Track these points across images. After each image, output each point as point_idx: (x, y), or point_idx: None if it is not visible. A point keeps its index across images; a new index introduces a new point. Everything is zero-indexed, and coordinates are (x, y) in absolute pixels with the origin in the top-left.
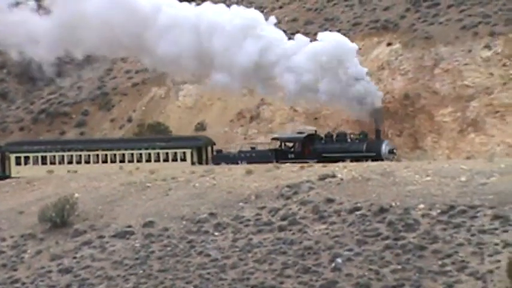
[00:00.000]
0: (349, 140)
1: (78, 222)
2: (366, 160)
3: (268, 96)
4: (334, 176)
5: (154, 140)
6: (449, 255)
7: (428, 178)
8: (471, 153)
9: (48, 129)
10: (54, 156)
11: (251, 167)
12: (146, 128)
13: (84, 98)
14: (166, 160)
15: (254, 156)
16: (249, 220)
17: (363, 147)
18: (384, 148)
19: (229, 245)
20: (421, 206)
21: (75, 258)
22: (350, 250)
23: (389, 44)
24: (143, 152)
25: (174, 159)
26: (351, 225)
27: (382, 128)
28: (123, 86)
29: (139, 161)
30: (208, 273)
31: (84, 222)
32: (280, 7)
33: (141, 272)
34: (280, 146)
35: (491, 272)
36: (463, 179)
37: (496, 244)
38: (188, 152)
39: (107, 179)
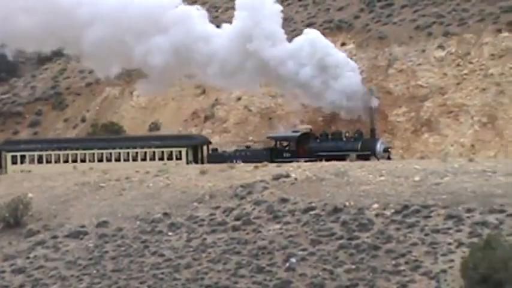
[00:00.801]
0: (344, 138)
1: (32, 222)
2: (361, 158)
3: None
4: (288, 176)
5: (149, 138)
6: (403, 255)
7: (382, 178)
8: (425, 153)
9: (1, 128)
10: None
11: (205, 166)
12: (100, 128)
13: (37, 97)
14: (161, 159)
15: (249, 155)
16: (203, 220)
17: (358, 145)
18: (379, 146)
19: (183, 245)
20: (375, 205)
21: (28, 258)
22: (304, 250)
23: (343, 44)
24: (138, 150)
25: (170, 158)
26: (305, 225)
27: (376, 127)
28: (77, 86)
29: (134, 159)
30: (162, 273)
31: (38, 222)
32: (234, 7)
33: (94, 272)
34: (275, 144)
35: (444, 271)
36: (416, 178)
37: (450, 244)
38: (184, 150)
39: (61, 179)
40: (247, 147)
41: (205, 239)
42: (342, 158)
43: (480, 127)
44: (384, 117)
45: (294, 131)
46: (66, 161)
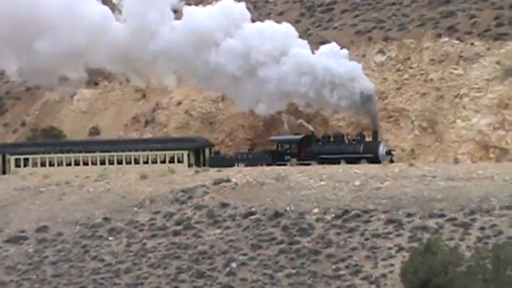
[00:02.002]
0: (346, 141)
1: None
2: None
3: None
4: (228, 181)
5: (151, 141)
6: (343, 260)
7: (323, 183)
8: None
9: None
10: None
11: (146, 171)
12: (40, 133)
13: None
14: (163, 162)
15: (251, 158)
16: (143, 225)
17: (360, 148)
18: (382, 149)
19: (123, 250)
20: (316, 210)
21: None
22: (244, 254)
23: None
24: (141, 153)
25: (171, 161)
26: (246, 230)
27: (379, 129)
28: (17, 90)
29: (137, 162)
30: (102, 278)
31: None
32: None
33: (34, 277)
34: (277, 147)
35: (384, 276)
36: (357, 183)
37: (390, 248)
38: (185, 153)
39: (2, 183)
40: (249, 150)
41: (145, 243)
42: (351, 161)
43: (420, 132)
44: (325, 122)
45: (295, 134)
46: (69, 164)
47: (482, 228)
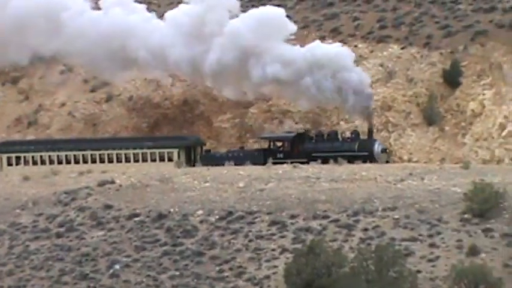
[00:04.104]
0: (340, 139)
1: None
2: (358, 159)
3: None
4: (113, 182)
5: (142, 139)
6: (227, 261)
7: (207, 184)
8: None
9: None
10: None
11: (28, 173)
12: None
13: None
14: (154, 160)
15: (242, 156)
16: (26, 227)
17: (355, 146)
18: (377, 147)
19: (5, 252)
20: (200, 212)
21: None
22: (128, 256)
23: None
24: (131, 151)
25: (162, 159)
26: (130, 232)
27: (373, 127)
28: None
29: (128, 161)
30: None
31: None
32: None
33: None
34: (269, 145)
35: (268, 277)
36: (241, 185)
37: (273, 250)
38: (175, 151)
39: None
40: (241, 148)
41: (28, 245)
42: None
43: None
44: (209, 123)
45: (287, 132)
46: (60, 162)
47: (365, 230)
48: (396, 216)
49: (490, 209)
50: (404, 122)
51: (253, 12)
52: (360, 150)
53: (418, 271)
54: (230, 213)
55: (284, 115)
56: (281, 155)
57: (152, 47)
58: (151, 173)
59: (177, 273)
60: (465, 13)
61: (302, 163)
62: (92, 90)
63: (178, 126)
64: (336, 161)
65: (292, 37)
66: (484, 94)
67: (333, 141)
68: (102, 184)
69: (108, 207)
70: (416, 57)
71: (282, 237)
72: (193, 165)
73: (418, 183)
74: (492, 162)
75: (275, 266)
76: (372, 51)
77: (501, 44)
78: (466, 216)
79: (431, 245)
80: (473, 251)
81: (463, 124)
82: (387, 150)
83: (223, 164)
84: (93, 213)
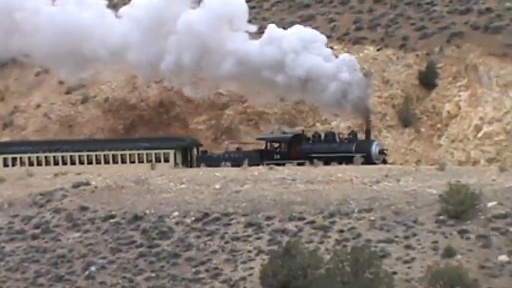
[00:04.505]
0: (338, 140)
1: None
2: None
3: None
4: (88, 184)
5: (138, 140)
6: (203, 263)
7: (183, 186)
8: None
9: None
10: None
11: (3, 175)
12: None
13: None
14: (150, 161)
15: (239, 157)
16: (1, 228)
17: (353, 147)
18: (374, 148)
19: None
20: (176, 213)
21: None
22: (104, 258)
23: None
24: (127, 152)
25: (158, 160)
26: (105, 233)
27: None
28: None
29: (124, 162)
30: None
31: None
32: None
33: None
34: (266, 146)
35: (244, 279)
36: (217, 186)
37: (249, 251)
38: (171, 152)
39: None
40: (238, 149)
41: (3, 247)
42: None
43: None
44: (184, 125)
45: (284, 132)
46: (56, 164)
47: (341, 231)
48: (372, 218)
49: (466, 210)
50: (380, 124)
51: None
52: (357, 151)
53: (394, 272)
54: (206, 214)
55: (260, 117)
56: (278, 156)
57: (109, 46)
58: (126, 174)
59: (153, 274)
60: (441, 15)
61: (299, 164)
62: (68, 92)
63: (154, 127)
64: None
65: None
66: (459, 96)
67: (331, 142)
68: (77, 186)
69: (84, 208)
70: (392, 58)
71: (258, 238)
72: (190, 166)
73: (394, 184)
74: (468, 164)
75: (251, 268)
76: (347, 53)
77: (477, 46)
78: (441, 217)
79: (407, 247)
80: (449, 253)
81: (438, 126)
82: (385, 151)
83: (219, 165)
84: (68, 215)
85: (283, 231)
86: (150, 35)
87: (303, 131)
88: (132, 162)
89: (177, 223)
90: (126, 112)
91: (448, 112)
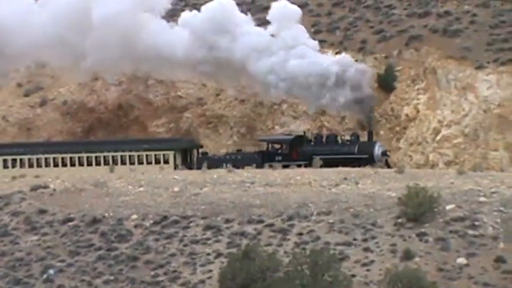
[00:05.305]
0: (340, 141)
1: None
2: (358, 163)
3: None
4: (46, 187)
5: (138, 141)
6: (161, 266)
7: (142, 189)
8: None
9: None
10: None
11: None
12: None
13: None
14: (150, 163)
15: (240, 159)
16: None
17: (355, 149)
18: (377, 150)
19: None
20: (134, 216)
21: None
22: (62, 261)
23: None
24: (127, 154)
25: (158, 162)
26: (64, 236)
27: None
28: None
29: (123, 163)
30: None
31: None
32: None
33: None
34: (267, 148)
35: (203, 282)
36: (176, 189)
37: (208, 254)
38: (171, 154)
39: None
40: (238, 150)
41: None
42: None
43: (239, 138)
44: (143, 128)
45: (286, 134)
46: (56, 165)
47: (300, 234)
48: (331, 221)
49: (424, 213)
50: (339, 127)
51: None
52: (360, 152)
53: (353, 275)
54: (165, 217)
55: (219, 120)
56: (279, 158)
57: (29, 42)
58: (85, 177)
59: (112, 277)
60: (399, 18)
61: (300, 166)
62: (26, 95)
63: (113, 130)
64: (336, 164)
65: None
66: (418, 99)
67: (332, 144)
68: (35, 189)
69: (42, 211)
70: None
71: (217, 241)
72: (190, 168)
73: (353, 187)
74: (426, 167)
75: (210, 271)
76: None
77: (435, 49)
78: (400, 220)
79: (366, 249)
80: (408, 255)
81: (397, 129)
82: (387, 153)
83: (219, 167)
84: (26, 218)
85: (242, 234)
86: (71, 29)
87: (304, 132)
88: (132, 163)
89: (135, 226)
90: (84, 115)
91: (407, 115)
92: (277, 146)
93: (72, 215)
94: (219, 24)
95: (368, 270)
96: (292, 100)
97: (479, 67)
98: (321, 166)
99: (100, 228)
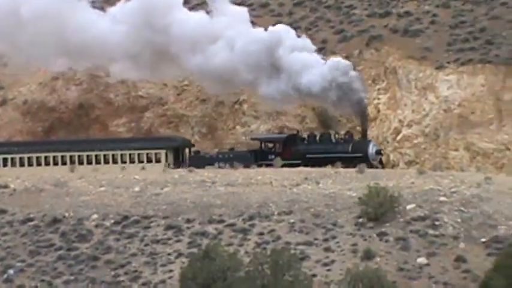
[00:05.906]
0: (333, 140)
1: None
2: (352, 161)
3: None
4: (6, 187)
5: (129, 140)
6: (122, 266)
7: (102, 188)
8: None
9: None
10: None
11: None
12: None
13: None
14: (141, 161)
15: (232, 158)
16: None
17: (349, 148)
18: (371, 149)
19: None
20: (95, 216)
21: None
22: (22, 261)
23: None
24: (118, 152)
25: (149, 161)
26: (24, 236)
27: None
28: None
29: (115, 162)
30: None
31: None
32: None
33: None
34: (260, 146)
35: (163, 282)
36: (137, 189)
37: (169, 254)
38: (163, 153)
39: None
40: (231, 149)
41: None
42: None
43: (200, 137)
44: (104, 128)
45: (279, 133)
46: (47, 164)
47: (261, 234)
48: (292, 221)
49: (385, 213)
50: (299, 126)
51: None
52: (354, 151)
53: (314, 275)
54: (125, 217)
55: (180, 119)
56: (273, 156)
57: None
58: (45, 177)
59: (72, 277)
60: (360, 18)
61: (294, 165)
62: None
63: (73, 130)
64: (331, 163)
65: None
66: (379, 98)
67: (326, 143)
68: None
69: (2, 211)
70: None
71: (178, 241)
72: (180, 167)
73: (314, 187)
74: (387, 166)
75: (171, 271)
76: None
77: (396, 49)
78: (361, 220)
79: (327, 249)
80: (368, 255)
81: (358, 128)
82: (382, 152)
83: (211, 165)
84: None
85: (203, 234)
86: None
87: (298, 131)
88: (124, 162)
89: (96, 226)
90: (45, 114)
91: (368, 115)
92: (270, 144)
93: (32, 215)
94: (154, 14)
95: (329, 270)
96: (253, 100)
97: (440, 67)
98: (314, 166)
99: (60, 228)
